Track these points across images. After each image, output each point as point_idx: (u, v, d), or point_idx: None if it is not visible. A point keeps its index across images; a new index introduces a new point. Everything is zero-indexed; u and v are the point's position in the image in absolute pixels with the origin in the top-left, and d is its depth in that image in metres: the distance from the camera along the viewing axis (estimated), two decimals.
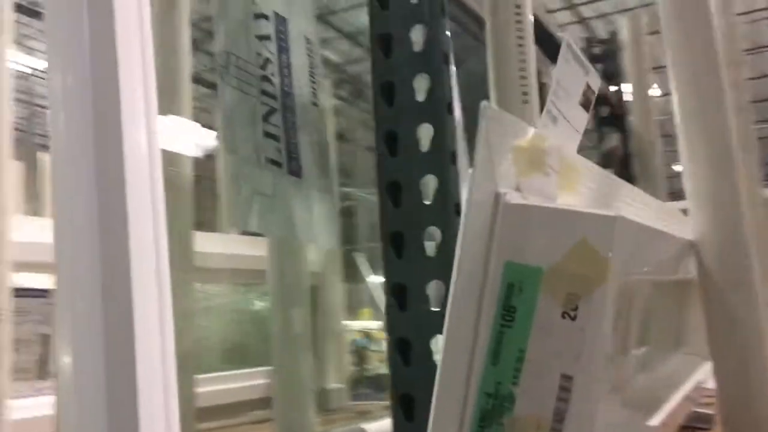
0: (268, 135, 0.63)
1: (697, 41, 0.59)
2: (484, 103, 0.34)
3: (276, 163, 0.64)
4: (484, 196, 0.36)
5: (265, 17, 0.66)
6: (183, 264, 0.79)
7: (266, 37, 0.66)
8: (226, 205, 0.58)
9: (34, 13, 3.09)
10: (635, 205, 0.61)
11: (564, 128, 0.43)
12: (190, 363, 0.79)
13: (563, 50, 0.38)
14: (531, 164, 0.40)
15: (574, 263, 0.35)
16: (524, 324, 0.36)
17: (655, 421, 0.57)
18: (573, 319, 0.35)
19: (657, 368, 0.79)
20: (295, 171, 0.66)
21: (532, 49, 0.81)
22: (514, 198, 0.37)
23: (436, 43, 0.59)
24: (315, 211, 0.68)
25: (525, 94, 0.80)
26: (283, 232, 0.62)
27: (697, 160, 0.59)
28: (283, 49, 0.68)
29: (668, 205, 0.68)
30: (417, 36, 0.57)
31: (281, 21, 0.69)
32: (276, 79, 0.66)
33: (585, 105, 0.45)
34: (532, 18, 0.84)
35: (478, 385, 0.37)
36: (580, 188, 0.52)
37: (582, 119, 0.46)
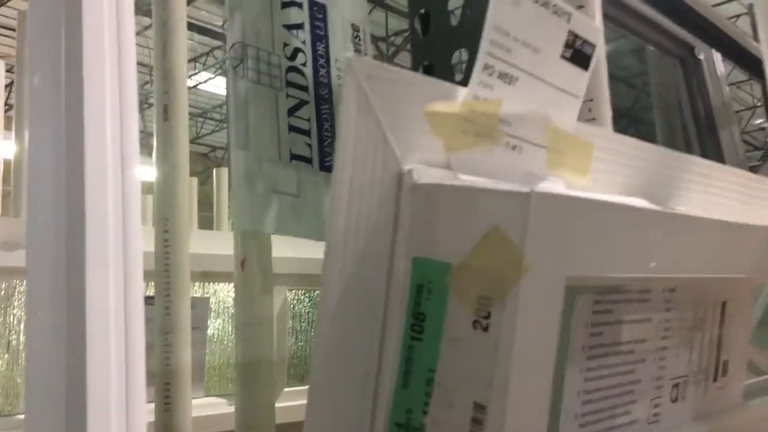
0: (294, 129, 0.59)
1: None
2: (350, 55, 0.26)
3: (304, 159, 0.59)
4: (385, 175, 0.29)
5: (297, 5, 0.62)
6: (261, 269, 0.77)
7: (298, 26, 0.62)
8: (236, 204, 0.54)
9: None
10: (712, 186, 0.49)
11: (537, 90, 0.34)
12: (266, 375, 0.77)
13: None
14: (473, 135, 0.32)
15: (485, 257, 0.26)
16: (433, 336, 0.28)
17: None
18: (485, 329, 0.26)
19: None
20: (329, 167, 0.61)
21: None
22: (424, 177, 0.29)
23: None
24: None
25: None
26: (310, 233, 0.58)
27: None
28: (319, 37, 0.63)
29: None
30: None
31: (319, 8, 0.64)
32: (308, 70, 0.62)
33: (577, 60, 0.36)
34: None
35: (389, 415, 0.29)
36: (610, 167, 0.42)
37: (575, 78, 0.36)
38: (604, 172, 0.41)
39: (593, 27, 0.36)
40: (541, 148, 0.36)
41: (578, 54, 0.36)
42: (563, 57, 0.35)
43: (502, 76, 0.32)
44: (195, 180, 2.41)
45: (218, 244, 1.19)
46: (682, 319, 0.45)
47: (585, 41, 0.36)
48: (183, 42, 0.79)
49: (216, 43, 6.69)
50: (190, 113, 0.75)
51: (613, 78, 0.62)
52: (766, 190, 0.52)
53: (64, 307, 0.37)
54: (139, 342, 0.39)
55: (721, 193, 0.49)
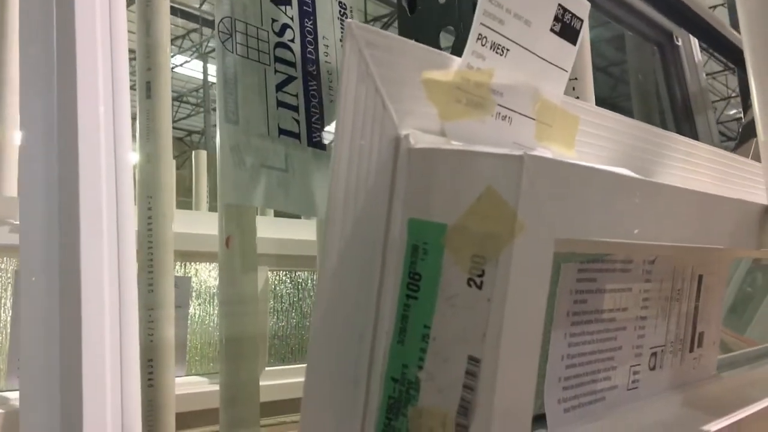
0: (282, 104, 0.60)
1: None
2: (350, 21, 0.27)
3: (292, 135, 0.60)
4: (383, 139, 0.30)
5: None
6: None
7: (286, 2, 0.62)
8: (224, 178, 0.54)
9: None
10: (688, 162, 0.51)
11: (527, 62, 0.35)
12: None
13: None
14: (466, 104, 0.33)
15: (479, 218, 0.28)
16: (429, 294, 0.29)
17: (717, 425, 0.46)
18: (479, 287, 0.28)
19: (762, 366, 0.66)
20: (317, 142, 0.62)
21: None
22: (420, 141, 0.30)
23: None
24: None
25: None
26: (298, 207, 0.58)
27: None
28: (306, 13, 0.64)
29: (750, 164, 0.55)
30: None
31: None
32: (296, 46, 0.62)
33: (565, 34, 0.37)
34: None
35: (384, 369, 0.30)
36: (593, 140, 0.43)
37: (564, 52, 0.37)
38: (589, 145, 0.42)
39: (582, 1, 0.37)
40: (530, 119, 0.37)
41: (567, 28, 0.37)
42: (552, 30, 0.36)
43: (495, 46, 0.33)
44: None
45: (199, 224, 1.19)
46: (661, 290, 0.47)
47: (574, 15, 0.37)
48: (166, 19, 0.79)
49: (192, 25, 6.63)
50: None
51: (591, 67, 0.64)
52: (741, 167, 0.54)
53: (56, 295, 0.38)
54: (132, 323, 0.40)
55: (698, 169, 0.51)
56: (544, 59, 0.36)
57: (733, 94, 7.04)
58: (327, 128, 0.63)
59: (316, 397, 0.29)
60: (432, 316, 0.29)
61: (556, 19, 0.36)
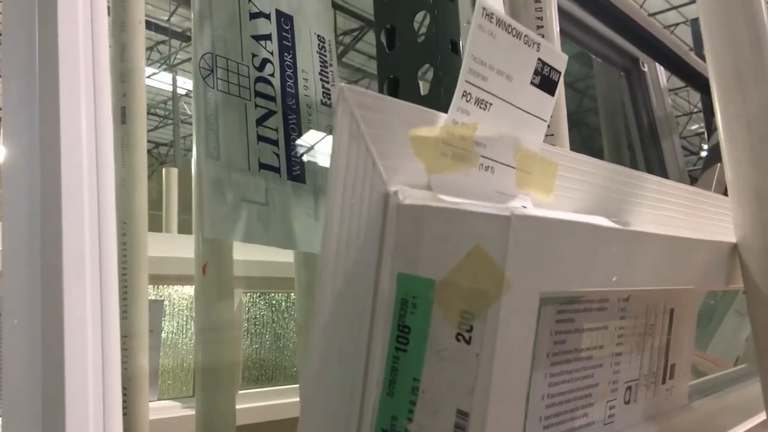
0: (263, 139, 0.60)
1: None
2: (343, 85, 0.28)
3: (272, 169, 0.61)
4: (373, 196, 0.30)
5: (265, 16, 0.63)
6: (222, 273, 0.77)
7: (266, 37, 0.63)
8: (203, 213, 0.55)
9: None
10: (660, 201, 0.52)
11: (508, 115, 0.36)
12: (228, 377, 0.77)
13: (477, 17, 0.32)
14: (451, 158, 0.34)
15: (468, 275, 0.29)
16: (418, 348, 0.30)
17: None
18: (468, 342, 0.29)
19: (730, 393, 0.68)
20: (298, 176, 0.62)
21: None
22: (408, 197, 0.31)
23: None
24: (323, 218, 0.64)
25: None
26: (277, 241, 0.59)
27: (737, 143, 0.49)
28: (286, 48, 0.64)
29: (718, 198, 0.57)
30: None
31: (286, 19, 0.65)
32: (276, 80, 0.63)
33: (544, 86, 0.38)
34: None
35: (374, 421, 0.31)
36: (570, 184, 0.44)
37: (542, 103, 0.39)
38: (566, 189, 0.44)
39: (560, 55, 0.38)
40: (511, 168, 0.38)
41: (546, 80, 0.38)
42: (533, 83, 0.37)
43: (478, 102, 0.34)
44: None
45: (171, 247, 1.19)
46: (635, 326, 0.48)
47: (552, 68, 0.39)
48: (141, 44, 0.79)
49: (160, 37, 6.58)
50: None
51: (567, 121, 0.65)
52: (709, 202, 0.56)
53: (38, 314, 0.38)
54: (114, 348, 0.40)
55: (669, 207, 0.52)
56: (524, 110, 0.37)
57: (695, 110, 7.20)
58: (306, 160, 0.63)
59: None
60: (421, 369, 0.30)
61: (536, 72, 0.37)
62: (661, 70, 1.32)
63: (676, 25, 5.66)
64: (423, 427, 0.29)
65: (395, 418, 0.30)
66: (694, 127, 7.61)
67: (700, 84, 1.28)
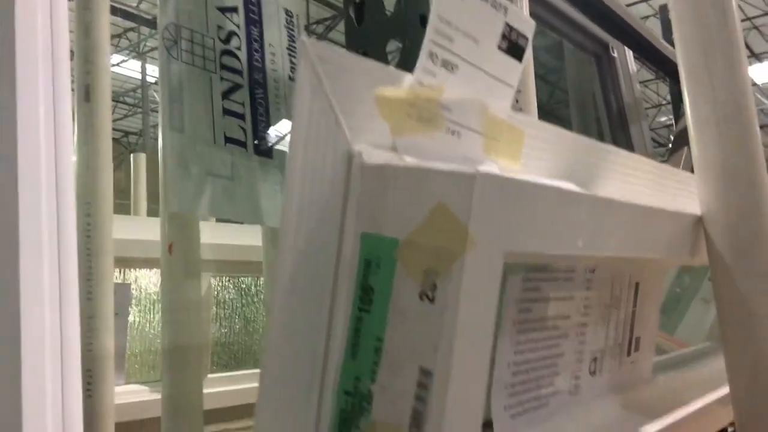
0: (228, 112, 0.59)
1: None
2: (304, 39, 0.28)
3: (238, 143, 0.60)
4: (336, 155, 0.30)
5: None
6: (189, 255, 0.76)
7: (232, 9, 0.62)
8: (168, 186, 0.54)
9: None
10: (627, 174, 0.52)
11: (475, 79, 0.36)
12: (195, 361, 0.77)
13: None
14: (417, 120, 0.33)
15: (431, 233, 0.28)
16: (381, 308, 0.30)
17: (655, 427, 0.48)
18: (432, 300, 0.28)
19: (693, 368, 0.69)
20: (264, 151, 0.61)
21: None
22: (372, 157, 0.30)
23: None
24: None
25: None
26: (243, 215, 0.58)
27: (702, 120, 0.49)
28: (252, 21, 0.63)
29: (685, 175, 0.58)
30: None
31: None
32: (242, 54, 0.62)
33: (512, 51, 0.38)
34: None
35: (337, 383, 0.31)
36: (538, 153, 0.44)
37: (510, 69, 0.38)
38: (532, 157, 0.44)
39: (527, 20, 0.38)
40: (478, 134, 0.38)
41: (513, 46, 0.38)
42: (500, 48, 0.37)
43: (445, 63, 0.34)
44: None
45: (139, 230, 1.17)
46: (600, 297, 0.48)
47: (520, 34, 0.38)
48: (106, 20, 0.77)
49: (129, 24, 6.48)
50: None
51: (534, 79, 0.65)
52: (674, 178, 0.56)
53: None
54: (73, 327, 0.39)
55: (635, 181, 0.53)
56: (491, 75, 0.37)
57: (664, 102, 7.29)
58: (273, 136, 0.62)
59: (269, 412, 0.29)
60: (384, 330, 0.29)
61: (503, 36, 0.37)
62: (630, 56, 1.33)
63: (647, 17, 5.71)
64: (385, 387, 0.29)
65: (358, 379, 0.30)
66: (663, 119, 7.71)
67: (669, 70, 1.29)
